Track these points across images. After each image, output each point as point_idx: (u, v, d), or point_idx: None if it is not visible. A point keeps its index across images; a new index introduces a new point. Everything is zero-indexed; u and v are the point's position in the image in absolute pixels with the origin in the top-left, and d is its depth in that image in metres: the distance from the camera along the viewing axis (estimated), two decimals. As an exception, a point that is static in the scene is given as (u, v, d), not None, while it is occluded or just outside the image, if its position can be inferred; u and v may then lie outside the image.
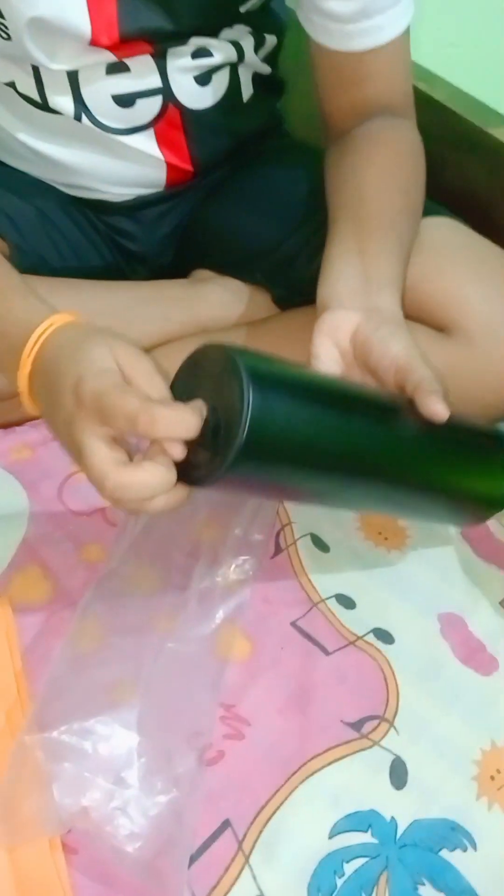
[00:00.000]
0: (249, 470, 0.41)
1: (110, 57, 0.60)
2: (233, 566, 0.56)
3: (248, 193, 0.74)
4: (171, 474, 0.41)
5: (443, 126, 0.84)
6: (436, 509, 0.53)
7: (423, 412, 0.45)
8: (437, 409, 0.45)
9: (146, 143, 0.67)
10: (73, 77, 0.61)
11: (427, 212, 0.64)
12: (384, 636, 0.56)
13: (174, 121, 0.66)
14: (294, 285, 0.69)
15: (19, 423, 0.67)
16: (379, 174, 0.59)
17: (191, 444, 0.41)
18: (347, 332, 0.50)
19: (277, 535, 0.61)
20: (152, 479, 0.41)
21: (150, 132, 0.66)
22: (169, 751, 0.46)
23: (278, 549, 0.60)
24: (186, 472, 0.42)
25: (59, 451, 0.64)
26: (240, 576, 0.56)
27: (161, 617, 0.52)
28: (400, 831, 0.46)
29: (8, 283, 0.52)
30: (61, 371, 0.44)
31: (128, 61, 0.62)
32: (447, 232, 0.66)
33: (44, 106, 0.63)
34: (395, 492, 0.48)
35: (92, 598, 0.52)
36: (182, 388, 0.43)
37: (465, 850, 0.46)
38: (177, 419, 0.40)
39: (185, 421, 0.40)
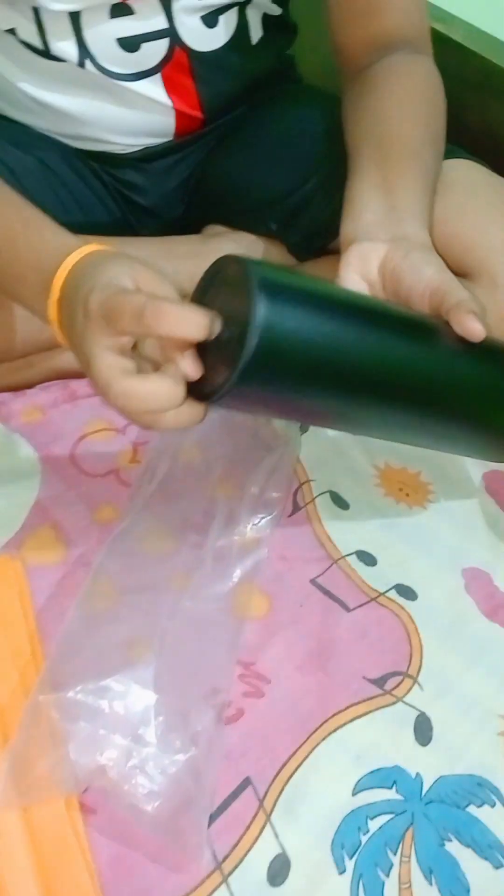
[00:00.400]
0: (261, 382, 0.38)
1: None
2: (249, 524, 0.55)
3: (260, 140, 0.71)
4: (179, 387, 0.40)
5: (461, 67, 0.80)
6: (464, 437, 0.50)
7: (460, 331, 0.43)
8: (474, 328, 0.43)
9: (154, 89, 0.64)
10: (75, 19, 0.59)
11: (446, 154, 0.61)
12: (407, 592, 0.54)
13: (182, 65, 0.64)
14: (311, 231, 0.67)
15: (30, 386, 0.66)
16: (400, 105, 0.56)
17: (203, 359, 0.39)
18: (375, 262, 0.48)
19: (295, 492, 0.59)
20: (158, 390, 0.39)
21: (158, 77, 0.64)
22: (187, 709, 0.45)
23: (296, 507, 0.59)
24: (199, 389, 0.40)
25: (71, 412, 0.64)
26: (257, 534, 0.54)
27: (176, 576, 0.51)
28: (425, 788, 0.45)
29: (40, 218, 0.50)
30: (79, 288, 0.42)
31: (132, 3, 0.59)
32: (468, 172, 0.64)
33: (46, 53, 0.61)
34: (422, 414, 0.45)
35: (106, 557, 0.51)
36: (199, 304, 0.41)
37: (493, 805, 0.44)
38: (184, 316, 0.38)
39: (193, 319, 0.38)
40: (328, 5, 0.61)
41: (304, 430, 0.63)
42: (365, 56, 0.61)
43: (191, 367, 0.40)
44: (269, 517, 0.55)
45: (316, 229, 0.66)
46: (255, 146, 0.71)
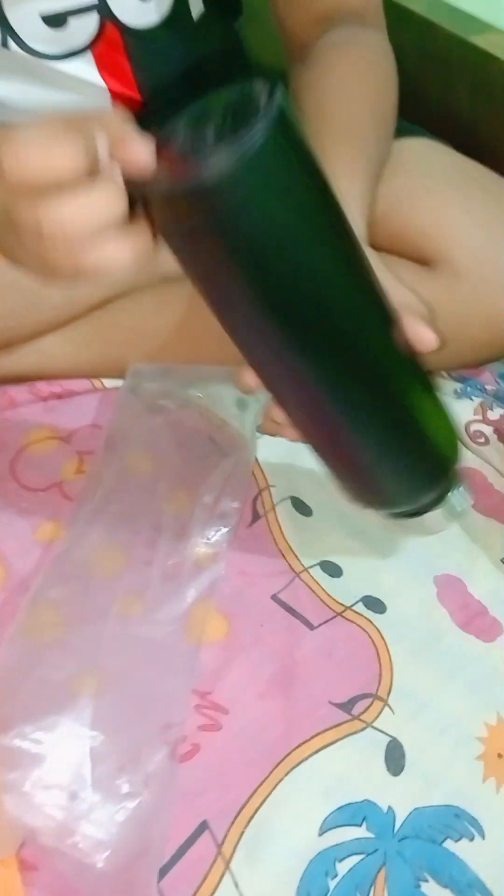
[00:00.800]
0: (273, 163, 0.29)
1: None
2: (204, 538, 0.51)
3: None
4: (120, 195, 0.30)
5: (422, 40, 0.77)
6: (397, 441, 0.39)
7: (411, 335, 0.37)
8: (426, 336, 0.37)
9: (85, 69, 0.59)
10: None
11: (404, 132, 0.57)
12: (375, 604, 0.51)
13: (115, 42, 0.59)
14: None
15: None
16: (342, 81, 0.52)
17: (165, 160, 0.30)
18: None
19: (254, 500, 0.55)
20: (92, 195, 0.30)
21: (89, 56, 0.59)
22: (136, 748, 0.41)
23: (256, 516, 0.55)
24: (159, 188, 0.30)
25: (10, 423, 0.60)
26: (212, 549, 0.50)
27: (124, 599, 0.47)
28: (398, 822, 0.41)
29: None
30: None
31: None
32: (429, 153, 0.60)
33: None
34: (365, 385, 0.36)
35: (45, 582, 0.47)
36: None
37: (471, 839, 0.41)
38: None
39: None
40: None
41: (261, 431, 0.59)
42: (310, 31, 0.56)
43: (139, 152, 0.30)
44: (225, 529, 0.51)
45: None
46: None
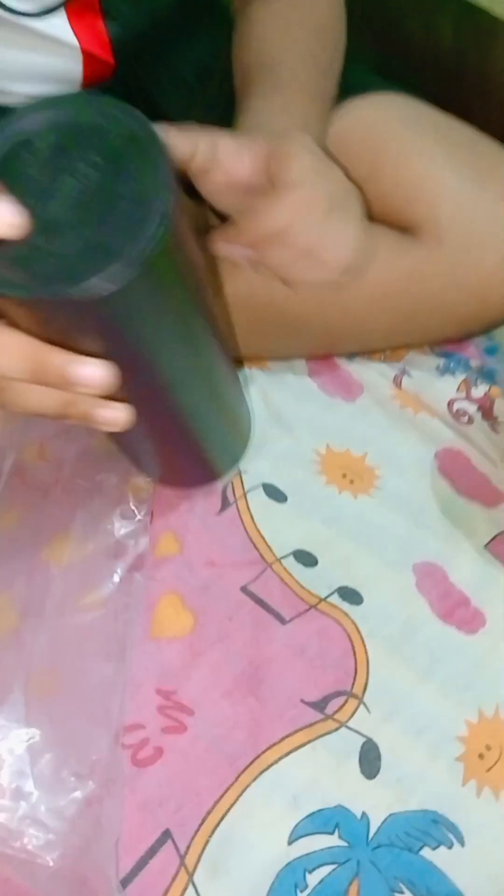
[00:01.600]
0: (145, 286, 0.29)
1: None
2: (116, 520, 0.48)
3: (172, 87, 0.62)
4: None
5: (457, 24, 0.72)
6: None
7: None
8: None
9: (59, 25, 0.56)
10: None
11: (379, 86, 0.54)
12: (351, 595, 0.48)
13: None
14: None
15: None
16: (282, 33, 0.50)
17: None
18: None
19: (224, 486, 0.52)
20: None
21: (62, 13, 0.55)
22: (76, 739, 0.39)
23: (226, 504, 0.52)
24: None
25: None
26: (128, 528, 0.47)
27: (42, 587, 0.44)
28: (373, 830, 0.39)
29: None
30: None
31: None
32: (406, 111, 0.56)
33: None
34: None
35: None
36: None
37: (450, 846, 0.39)
38: None
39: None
40: None
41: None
42: None
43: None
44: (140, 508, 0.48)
45: None
46: (166, 94, 0.62)
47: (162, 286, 0.30)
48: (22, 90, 0.61)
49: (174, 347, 0.34)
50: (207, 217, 0.64)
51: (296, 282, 0.48)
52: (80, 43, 0.58)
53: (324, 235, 0.45)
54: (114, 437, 0.41)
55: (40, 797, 0.37)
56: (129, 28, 0.60)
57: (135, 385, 0.33)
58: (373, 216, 0.55)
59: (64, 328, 0.30)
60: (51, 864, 0.36)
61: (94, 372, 0.30)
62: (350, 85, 0.57)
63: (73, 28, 0.57)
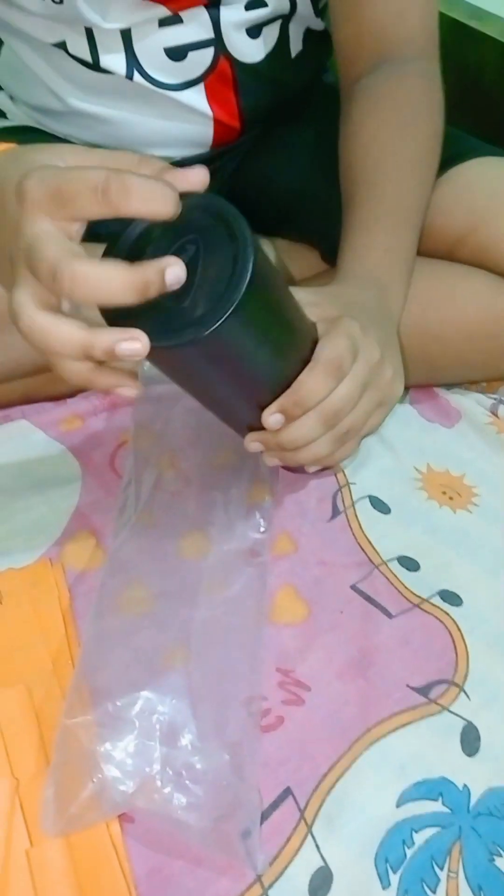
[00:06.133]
0: (247, 318, 0.38)
1: (164, 11, 0.59)
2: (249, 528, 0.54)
3: (293, 146, 0.71)
4: (135, 273, 0.34)
5: (499, 62, 0.79)
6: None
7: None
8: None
9: (196, 98, 0.65)
10: (126, 34, 0.60)
11: (475, 151, 0.60)
12: (451, 598, 0.53)
13: (225, 75, 0.64)
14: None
15: (72, 395, 0.67)
16: (385, 154, 0.58)
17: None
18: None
19: (334, 496, 0.58)
20: (116, 277, 0.34)
21: (201, 87, 0.65)
22: (224, 716, 0.45)
23: (336, 512, 0.57)
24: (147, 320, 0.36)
25: (110, 419, 0.64)
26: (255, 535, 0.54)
27: (209, 581, 0.50)
28: (473, 800, 0.43)
29: None
30: (4, 179, 0.38)
31: (181, 13, 0.60)
32: (500, 171, 0.62)
33: (94, 66, 0.62)
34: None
35: (124, 559, 0.51)
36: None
37: (545, 819, 0.42)
38: (155, 188, 0.34)
39: (166, 192, 0.35)
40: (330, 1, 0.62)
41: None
42: (358, 60, 0.61)
43: (176, 264, 0.35)
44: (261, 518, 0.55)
45: None
46: (288, 153, 0.70)
47: (255, 319, 0.39)
48: (160, 153, 0.70)
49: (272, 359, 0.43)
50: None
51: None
52: (213, 112, 0.67)
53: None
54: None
55: (186, 762, 0.42)
56: (257, 102, 0.69)
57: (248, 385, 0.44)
58: (474, 263, 0.62)
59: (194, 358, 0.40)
60: (191, 821, 0.41)
61: (132, 346, 0.35)
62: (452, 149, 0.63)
63: (208, 99, 0.66)
